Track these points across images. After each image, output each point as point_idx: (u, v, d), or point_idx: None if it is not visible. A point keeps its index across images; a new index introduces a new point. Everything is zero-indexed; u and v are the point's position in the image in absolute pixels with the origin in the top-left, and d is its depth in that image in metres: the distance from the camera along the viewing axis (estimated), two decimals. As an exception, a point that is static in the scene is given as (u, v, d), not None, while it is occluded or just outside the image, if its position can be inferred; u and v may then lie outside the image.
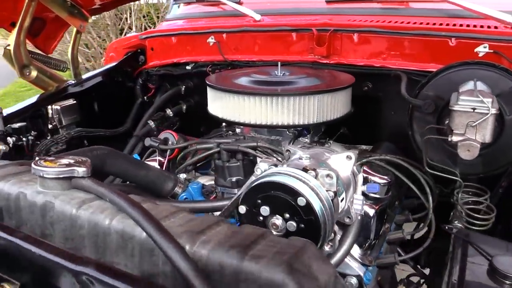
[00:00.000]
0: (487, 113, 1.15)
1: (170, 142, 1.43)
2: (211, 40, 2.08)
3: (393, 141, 1.74)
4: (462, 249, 1.04)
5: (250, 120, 1.38)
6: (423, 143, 1.30)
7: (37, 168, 0.70)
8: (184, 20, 2.49)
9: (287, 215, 0.86)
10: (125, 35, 6.07)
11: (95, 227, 0.66)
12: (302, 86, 1.43)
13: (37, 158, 0.72)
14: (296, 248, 0.58)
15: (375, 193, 1.13)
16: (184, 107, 2.29)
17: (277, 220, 0.87)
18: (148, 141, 1.38)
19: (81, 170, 0.70)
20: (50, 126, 1.77)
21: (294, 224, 0.85)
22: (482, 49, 1.53)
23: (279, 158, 1.26)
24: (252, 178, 1.03)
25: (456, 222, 1.23)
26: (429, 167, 1.37)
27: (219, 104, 1.49)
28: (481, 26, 1.60)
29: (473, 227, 1.24)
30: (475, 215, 1.22)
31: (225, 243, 0.59)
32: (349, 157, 1.02)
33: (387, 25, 1.69)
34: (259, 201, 0.88)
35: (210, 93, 1.57)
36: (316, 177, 0.89)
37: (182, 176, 1.34)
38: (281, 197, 0.86)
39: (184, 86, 2.28)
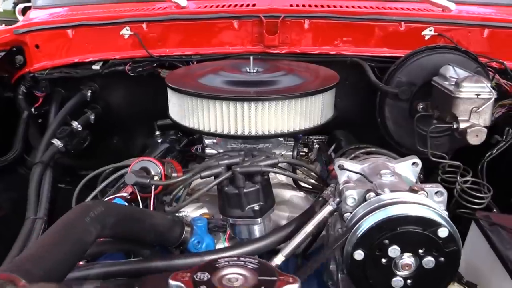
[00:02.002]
0: (490, 98, 1.21)
1: (154, 173, 1.10)
2: (126, 32, 1.71)
3: (342, 128, 1.74)
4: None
5: (236, 130, 1.18)
6: (427, 134, 1.30)
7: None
8: (67, 9, 1.98)
9: (421, 251, 0.75)
10: None
11: None
12: (296, 84, 1.28)
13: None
14: None
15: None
16: (92, 116, 1.86)
17: (409, 259, 0.75)
18: (132, 179, 1.03)
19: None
20: None
21: (433, 259, 0.74)
22: (428, 32, 1.61)
23: (303, 172, 1.12)
24: (330, 207, 0.86)
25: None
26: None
27: (191, 113, 1.24)
28: (423, 10, 1.68)
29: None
30: (477, 194, 1.28)
31: None
32: (415, 164, 0.95)
33: (339, 10, 1.64)
34: (387, 241, 0.74)
35: (179, 99, 1.29)
36: (427, 197, 0.79)
37: (183, 214, 1.07)
38: (416, 232, 0.73)
39: (90, 91, 1.85)
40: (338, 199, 0.86)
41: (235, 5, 1.70)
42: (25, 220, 1.44)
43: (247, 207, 1.07)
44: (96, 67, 1.77)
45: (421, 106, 1.48)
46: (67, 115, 1.78)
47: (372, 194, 0.80)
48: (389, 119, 1.53)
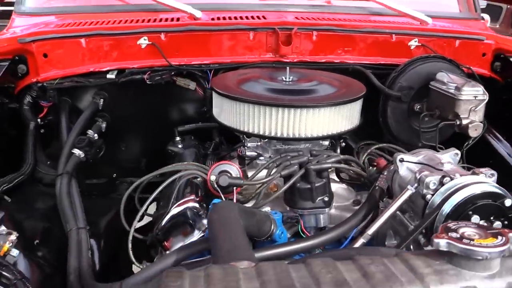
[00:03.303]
0: (484, 99, 1.52)
1: (234, 175, 1.22)
2: (143, 41, 1.77)
3: None
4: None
5: (293, 133, 1.36)
6: (437, 129, 1.57)
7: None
8: (60, 17, 1.96)
9: (492, 218, 0.99)
10: None
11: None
12: (334, 92, 1.48)
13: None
14: None
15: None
16: (104, 125, 1.88)
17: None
18: (226, 180, 1.14)
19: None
20: None
21: (500, 223, 0.99)
22: (413, 43, 1.91)
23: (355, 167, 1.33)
24: (411, 190, 1.08)
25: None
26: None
27: (249, 119, 1.39)
28: (407, 24, 1.98)
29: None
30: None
31: None
32: (456, 154, 1.20)
33: (342, 24, 1.87)
34: (470, 212, 0.97)
35: (236, 107, 1.42)
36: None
37: (267, 209, 1.21)
38: (490, 203, 0.98)
39: (102, 100, 1.86)
40: (416, 184, 1.08)
41: (250, 17, 1.85)
42: (67, 232, 1.45)
43: (318, 199, 1.25)
44: (111, 76, 1.80)
45: (418, 107, 1.77)
46: (85, 125, 1.79)
47: (448, 178, 1.03)
48: (391, 118, 1.80)
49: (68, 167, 1.63)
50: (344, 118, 1.43)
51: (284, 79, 1.57)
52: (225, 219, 0.88)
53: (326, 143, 1.55)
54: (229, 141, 1.86)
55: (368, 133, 1.85)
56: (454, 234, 0.61)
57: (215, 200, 1.12)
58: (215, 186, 1.20)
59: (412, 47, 1.91)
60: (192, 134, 1.92)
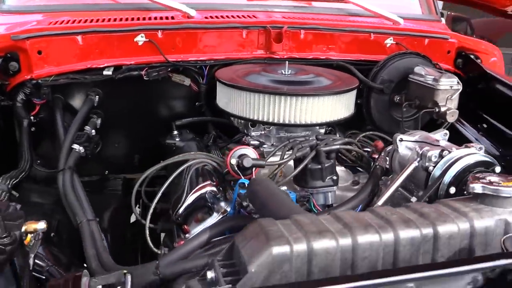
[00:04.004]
0: (459, 88, 1.72)
1: (252, 158, 1.32)
2: (140, 38, 1.82)
3: None
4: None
5: (296, 119, 1.49)
6: (419, 116, 1.76)
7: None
8: (47, 15, 1.96)
9: (487, 182, 1.17)
10: None
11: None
12: (334, 84, 1.62)
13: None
14: None
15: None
16: (99, 121, 1.91)
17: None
18: (249, 162, 1.23)
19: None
20: None
21: (493, 187, 1.17)
22: (389, 41, 2.10)
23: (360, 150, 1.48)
24: (415, 164, 1.23)
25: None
26: None
27: (258, 108, 1.50)
28: (381, 24, 2.17)
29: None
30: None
31: None
32: (445, 134, 1.38)
33: (326, 23, 2.02)
34: (470, 178, 1.14)
35: (243, 97, 1.52)
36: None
37: (284, 188, 1.31)
38: (483, 171, 1.15)
39: (97, 96, 1.89)
40: (418, 158, 1.24)
41: (242, 16, 1.95)
42: (77, 224, 1.47)
43: (327, 178, 1.38)
44: (108, 72, 1.83)
45: (397, 98, 1.95)
46: (82, 121, 1.80)
47: (446, 152, 1.20)
48: (374, 109, 1.97)
49: (69, 162, 1.64)
50: (343, 106, 1.57)
51: (283, 72, 1.68)
52: (269, 188, 0.98)
53: (322, 131, 1.68)
54: (224, 134, 1.95)
55: (348, 123, 2.01)
56: (483, 180, 0.75)
57: (242, 180, 1.22)
58: (236, 169, 1.29)
59: (388, 45, 2.10)
60: (188, 128, 1.99)
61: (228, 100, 1.59)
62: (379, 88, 1.91)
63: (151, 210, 1.46)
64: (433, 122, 2.02)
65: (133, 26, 1.82)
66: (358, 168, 1.71)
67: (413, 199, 1.26)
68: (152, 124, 2.06)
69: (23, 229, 0.89)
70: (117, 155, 2.08)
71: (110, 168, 2.09)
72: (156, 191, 1.78)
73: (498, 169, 1.17)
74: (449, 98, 1.73)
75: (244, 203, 1.29)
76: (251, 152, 1.32)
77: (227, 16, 1.96)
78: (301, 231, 0.65)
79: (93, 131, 1.83)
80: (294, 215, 0.71)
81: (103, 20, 1.84)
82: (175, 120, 1.99)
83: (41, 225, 0.93)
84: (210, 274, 0.67)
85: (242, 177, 1.28)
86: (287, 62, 1.74)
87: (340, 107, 1.56)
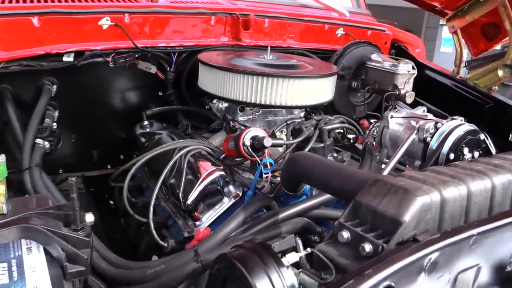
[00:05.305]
0: (414, 73, 1.93)
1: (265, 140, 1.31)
2: (106, 22, 1.69)
3: None
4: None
5: (284, 101, 1.53)
6: (383, 98, 1.92)
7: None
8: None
9: (474, 149, 1.34)
10: None
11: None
12: (321, 68, 1.69)
13: None
14: None
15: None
16: (56, 114, 1.72)
17: (469, 154, 1.33)
18: (269, 141, 1.22)
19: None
20: None
21: (478, 153, 1.35)
22: (340, 32, 2.26)
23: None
24: (413, 136, 1.36)
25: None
26: None
27: (236, 86, 1.52)
28: (332, 15, 2.31)
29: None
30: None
31: None
32: (424, 110, 1.55)
33: (288, 13, 2.09)
34: (463, 145, 1.30)
35: (224, 75, 1.53)
36: (461, 121, 1.40)
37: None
38: (473, 138, 1.32)
39: (55, 86, 1.70)
40: (416, 131, 1.37)
41: (206, 2, 1.92)
42: None
43: (328, 156, 1.44)
44: (68, 58, 1.66)
45: (355, 84, 2.11)
46: (43, 114, 1.60)
47: (439, 124, 1.35)
48: (335, 94, 2.09)
49: (35, 159, 1.44)
50: (328, 88, 1.65)
51: (265, 57, 1.70)
52: (321, 160, 1.00)
53: (302, 114, 1.75)
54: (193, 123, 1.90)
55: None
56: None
57: (267, 159, 1.22)
58: (250, 150, 1.28)
59: (339, 35, 2.25)
60: (154, 118, 1.90)
61: (219, 83, 1.55)
62: (340, 74, 2.03)
63: (152, 202, 1.37)
64: (379, 107, 2.22)
65: (97, 8, 1.67)
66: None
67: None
68: (113, 115, 1.91)
69: (76, 222, 0.79)
70: (73, 152, 1.88)
71: (64, 167, 1.88)
72: (139, 185, 1.67)
73: (482, 136, 1.36)
74: (407, 81, 1.92)
75: (260, 185, 1.29)
76: (263, 133, 1.32)
77: (192, 1, 1.91)
78: (427, 183, 0.70)
79: (54, 124, 1.63)
80: (403, 173, 0.75)
81: (64, 1, 1.65)
82: (138, 111, 1.87)
83: (90, 217, 0.83)
84: (345, 234, 0.68)
85: (256, 158, 1.28)
86: (269, 47, 1.76)
87: (326, 89, 1.64)
